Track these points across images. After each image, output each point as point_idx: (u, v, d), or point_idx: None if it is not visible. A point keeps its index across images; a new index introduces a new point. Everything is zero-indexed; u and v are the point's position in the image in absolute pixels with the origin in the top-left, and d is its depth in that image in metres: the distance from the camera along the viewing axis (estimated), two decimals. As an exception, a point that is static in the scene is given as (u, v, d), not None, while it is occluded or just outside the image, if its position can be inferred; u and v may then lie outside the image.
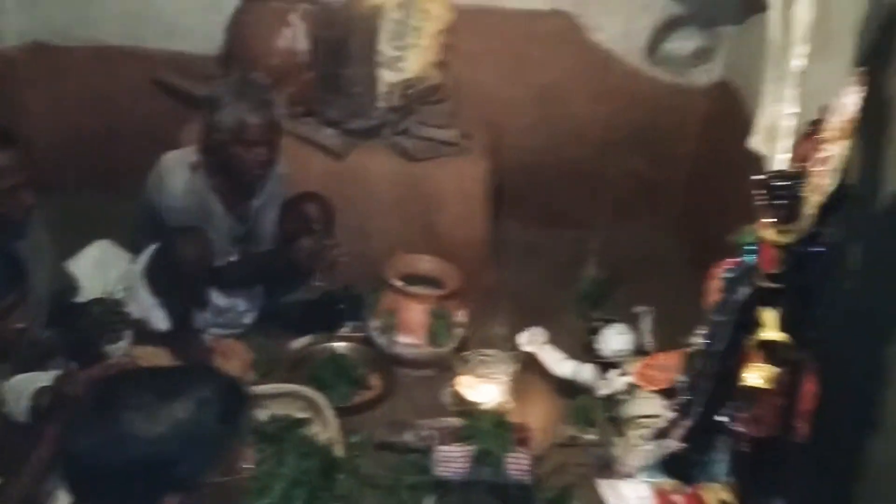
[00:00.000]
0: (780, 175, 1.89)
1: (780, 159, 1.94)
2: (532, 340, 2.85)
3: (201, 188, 2.77)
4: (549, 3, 3.47)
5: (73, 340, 2.44)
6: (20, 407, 2.10)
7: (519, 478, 2.36)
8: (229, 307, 2.92)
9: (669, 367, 2.43)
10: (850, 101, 1.82)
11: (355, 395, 2.77)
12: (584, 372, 2.73)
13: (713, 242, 2.26)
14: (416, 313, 2.91)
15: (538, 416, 2.65)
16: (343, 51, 3.17)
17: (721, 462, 2.15)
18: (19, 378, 2.16)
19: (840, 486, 2.13)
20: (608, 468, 2.45)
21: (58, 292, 2.55)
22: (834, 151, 1.81)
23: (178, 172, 2.75)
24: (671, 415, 2.29)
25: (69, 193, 3.41)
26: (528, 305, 3.15)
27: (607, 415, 2.59)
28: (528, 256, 3.53)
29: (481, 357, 2.79)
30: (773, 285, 1.90)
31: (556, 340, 2.86)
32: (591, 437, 2.59)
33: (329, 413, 2.51)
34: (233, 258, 2.86)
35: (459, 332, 2.95)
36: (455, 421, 2.57)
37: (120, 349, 2.50)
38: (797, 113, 1.93)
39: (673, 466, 2.29)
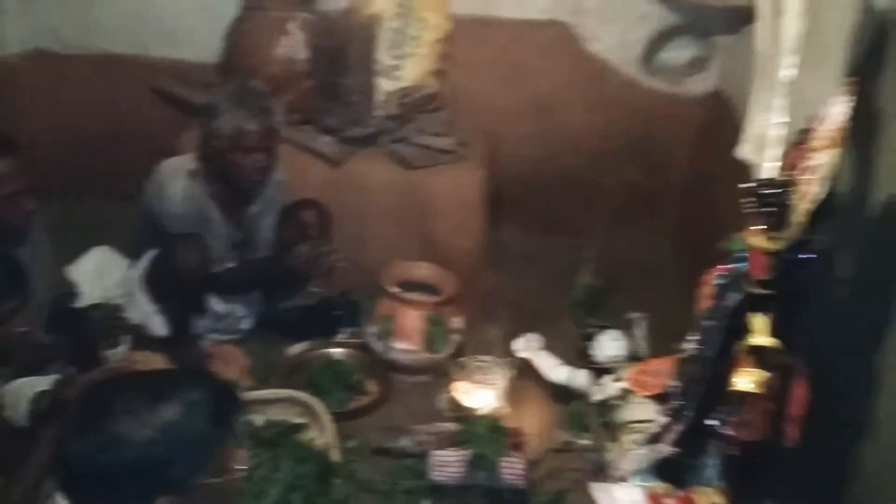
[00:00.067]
0: (769, 183, 1.91)
1: (769, 167, 1.97)
2: (527, 346, 2.87)
3: (200, 195, 2.79)
4: (546, 14, 3.50)
5: (73, 345, 2.45)
6: (20, 411, 2.12)
7: (514, 482, 2.38)
8: (227, 313, 2.93)
9: (662, 372, 2.45)
10: (838, 110, 1.85)
11: (352, 401, 2.78)
12: (578, 377, 2.75)
13: (708, 250, 2.28)
14: (412, 319, 2.93)
15: (533, 421, 2.68)
16: (341, 59, 3.19)
17: (713, 466, 2.17)
18: (19, 382, 2.18)
19: (830, 490, 2.14)
20: (602, 472, 2.47)
21: (57, 297, 2.58)
22: (823, 160, 1.83)
23: (176, 179, 2.77)
24: (664, 420, 2.31)
25: (69, 200, 3.42)
26: (523, 312, 3.17)
27: (601, 420, 2.61)
28: (524, 263, 3.55)
29: (477, 363, 2.81)
30: (762, 291, 1.92)
31: (551, 346, 2.88)
32: (585, 442, 2.60)
33: (326, 418, 2.52)
34: (231, 264, 2.88)
35: (455, 338, 2.97)
36: (451, 426, 2.59)
37: (119, 354, 2.51)
38: (786, 122, 1.96)
39: (665, 470, 2.31)
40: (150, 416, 1.35)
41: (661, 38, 3.51)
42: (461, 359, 2.86)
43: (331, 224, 2.97)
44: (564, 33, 3.52)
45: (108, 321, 2.55)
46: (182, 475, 1.37)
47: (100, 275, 2.80)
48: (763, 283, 1.93)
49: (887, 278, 2.01)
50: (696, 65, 3.55)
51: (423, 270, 3.11)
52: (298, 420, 2.54)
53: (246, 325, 3.01)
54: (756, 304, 1.95)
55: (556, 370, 2.80)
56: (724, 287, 2.05)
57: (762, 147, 2.01)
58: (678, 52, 3.54)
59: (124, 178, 2.91)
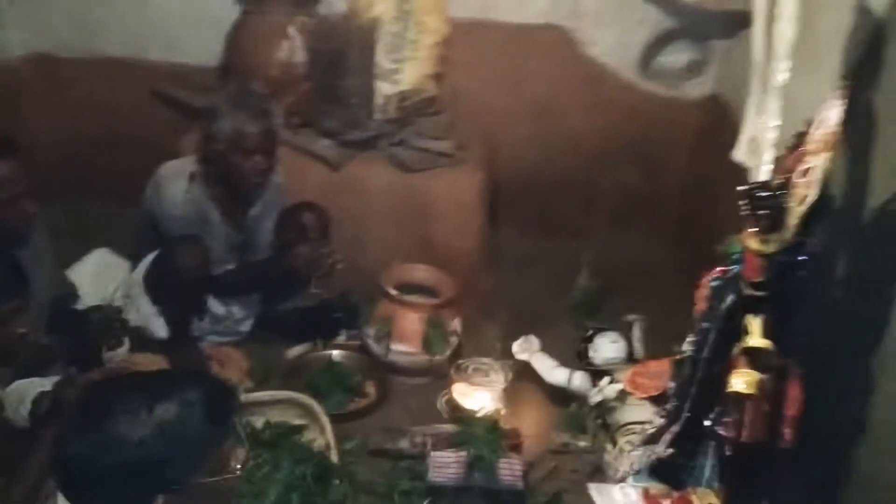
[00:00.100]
0: (763, 186, 1.93)
1: (764, 170, 1.98)
2: (526, 348, 2.89)
3: (200, 197, 2.81)
4: (544, 17, 3.51)
5: (73, 346, 2.47)
6: (21, 411, 2.13)
7: (512, 483, 2.39)
8: (226, 315, 2.95)
9: (659, 374, 2.47)
10: (832, 113, 1.86)
11: (351, 403, 2.80)
12: (576, 379, 2.77)
13: (705, 252, 2.30)
14: (411, 322, 2.94)
15: (531, 422, 2.69)
16: (340, 63, 3.20)
17: (709, 467, 2.18)
18: (20, 383, 2.20)
19: (825, 490, 2.16)
20: (599, 473, 2.48)
21: (58, 299, 2.58)
22: (817, 163, 1.85)
23: (176, 182, 2.78)
24: (660, 421, 2.32)
25: (70, 202, 3.44)
26: (521, 314, 3.19)
27: (599, 421, 2.62)
28: (523, 266, 3.56)
29: (476, 365, 2.82)
30: (757, 293, 1.94)
31: (549, 348, 2.90)
32: (583, 443, 2.62)
33: (325, 420, 2.54)
34: (230, 266, 2.90)
35: (454, 340, 2.98)
36: (449, 427, 2.60)
37: (119, 356, 2.53)
38: (780, 126, 1.97)
39: (662, 471, 2.32)
40: (147, 415, 1.35)
41: (659, 42, 3.52)
42: (460, 361, 2.87)
43: (329, 226, 2.99)
44: (562, 37, 3.54)
45: (108, 323, 2.56)
46: (180, 474, 1.38)
47: (100, 277, 2.82)
48: (757, 285, 1.94)
49: (881, 280, 2.02)
50: (694, 68, 3.56)
51: (421, 273, 3.13)
52: (298, 421, 2.55)
53: (245, 326, 3.02)
54: (750, 305, 1.97)
55: (554, 372, 2.81)
56: (720, 289, 2.07)
57: (756, 150, 2.03)
58: (676, 56, 3.55)
59: (125, 180, 2.92)
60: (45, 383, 2.16)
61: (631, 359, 2.81)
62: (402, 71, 3.28)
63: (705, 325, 2.12)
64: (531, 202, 3.75)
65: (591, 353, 2.87)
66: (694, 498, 2.18)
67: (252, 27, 3.37)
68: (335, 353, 2.98)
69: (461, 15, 3.38)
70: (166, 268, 2.71)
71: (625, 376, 2.65)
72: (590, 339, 2.91)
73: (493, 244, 3.47)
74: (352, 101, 3.23)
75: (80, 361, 2.41)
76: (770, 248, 1.90)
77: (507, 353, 2.90)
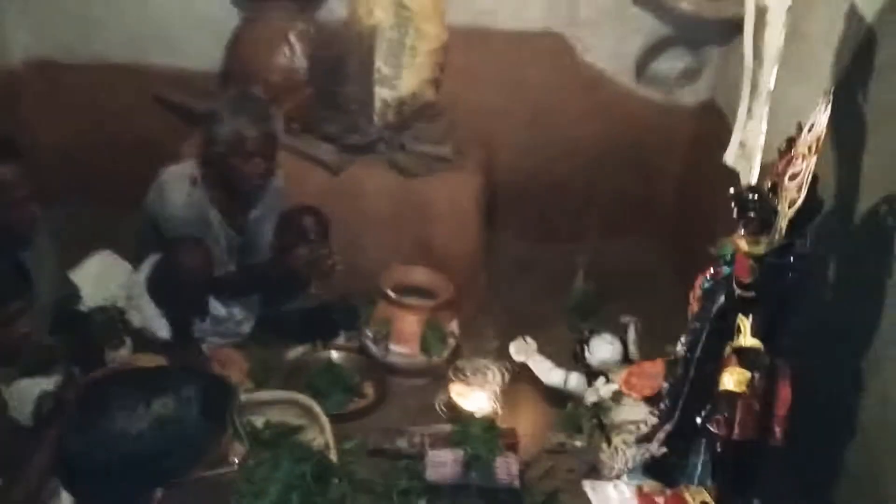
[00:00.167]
0: (752, 189, 1.96)
1: (753, 174, 2.02)
2: (523, 350, 2.91)
3: (201, 200, 2.83)
4: (541, 24, 3.54)
5: (76, 347, 2.50)
6: (24, 411, 2.16)
7: (508, 482, 2.42)
8: (227, 316, 2.96)
9: (654, 374, 2.50)
10: (821, 118, 1.90)
11: (350, 403, 2.82)
12: (572, 380, 2.79)
13: (700, 256, 2.33)
14: (409, 323, 2.96)
15: (528, 422, 2.71)
16: (340, 69, 3.23)
17: (702, 465, 2.21)
18: (23, 383, 2.23)
19: (816, 488, 2.19)
20: (595, 473, 2.50)
21: (61, 300, 2.61)
22: (806, 166, 1.88)
23: (178, 185, 2.80)
24: (653, 420, 2.35)
25: (72, 205, 3.45)
26: (519, 316, 3.22)
27: (595, 421, 2.65)
28: (520, 269, 3.59)
29: (473, 366, 2.85)
30: (747, 294, 1.97)
31: (545, 350, 2.92)
32: (579, 443, 2.64)
33: (324, 420, 2.56)
34: (231, 268, 2.92)
35: (452, 341, 3.01)
36: (446, 427, 2.63)
37: (121, 356, 2.56)
38: (769, 130, 2.01)
39: (655, 469, 2.35)
40: (145, 410, 1.37)
41: (655, 49, 3.55)
42: (457, 362, 2.90)
43: (329, 228, 3.01)
44: (560, 44, 3.56)
45: (110, 324, 2.59)
46: (177, 468, 1.39)
47: (103, 278, 2.85)
48: (748, 286, 1.97)
49: (870, 281, 2.06)
50: (689, 75, 3.59)
51: (420, 275, 3.15)
52: (297, 421, 2.58)
53: (246, 328, 3.04)
54: (742, 306, 2.00)
55: (550, 373, 2.83)
56: (711, 290, 2.10)
57: (746, 154, 2.06)
58: (671, 63, 3.58)
59: (126, 183, 2.94)
60: (48, 383, 2.19)
61: (626, 360, 2.84)
62: (401, 77, 3.29)
63: (697, 325, 2.15)
64: (528, 206, 3.77)
65: (587, 355, 2.90)
66: (687, 496, 2.21)
67: (253, 33, 3.40)
68: (334, 354, 3.01)
69: (460, 22, 3.40)
70: (169, 269, 2.74)
71: (620, 377, 2.68)
72: (586, 341, 2.95)
73: (490, 247, 3.49)
74: (351, 107, 3.25)
75: (82, 362, 2.44)
76: (760, 250, 1.94)
77: (504, 355, 2.92)
